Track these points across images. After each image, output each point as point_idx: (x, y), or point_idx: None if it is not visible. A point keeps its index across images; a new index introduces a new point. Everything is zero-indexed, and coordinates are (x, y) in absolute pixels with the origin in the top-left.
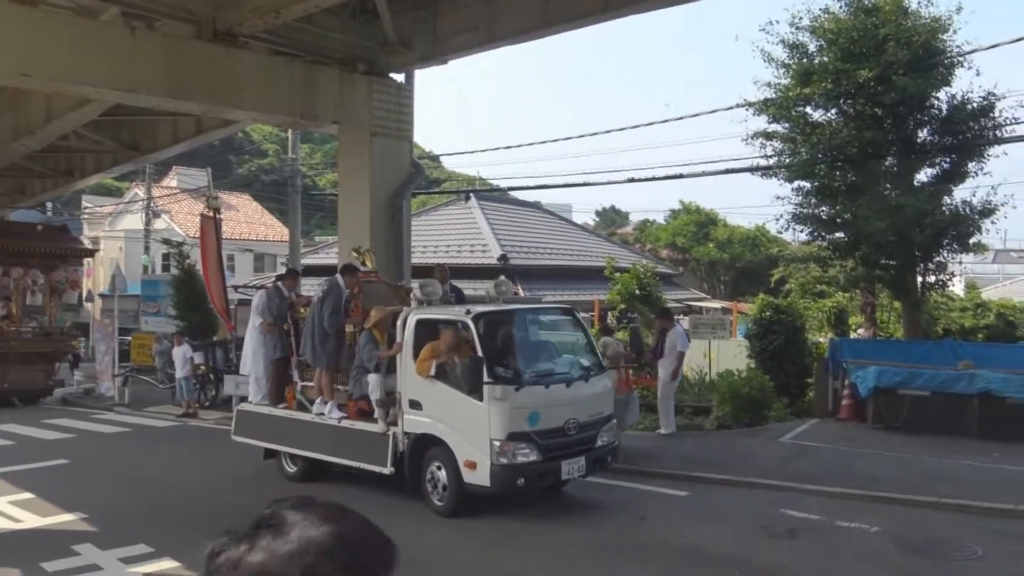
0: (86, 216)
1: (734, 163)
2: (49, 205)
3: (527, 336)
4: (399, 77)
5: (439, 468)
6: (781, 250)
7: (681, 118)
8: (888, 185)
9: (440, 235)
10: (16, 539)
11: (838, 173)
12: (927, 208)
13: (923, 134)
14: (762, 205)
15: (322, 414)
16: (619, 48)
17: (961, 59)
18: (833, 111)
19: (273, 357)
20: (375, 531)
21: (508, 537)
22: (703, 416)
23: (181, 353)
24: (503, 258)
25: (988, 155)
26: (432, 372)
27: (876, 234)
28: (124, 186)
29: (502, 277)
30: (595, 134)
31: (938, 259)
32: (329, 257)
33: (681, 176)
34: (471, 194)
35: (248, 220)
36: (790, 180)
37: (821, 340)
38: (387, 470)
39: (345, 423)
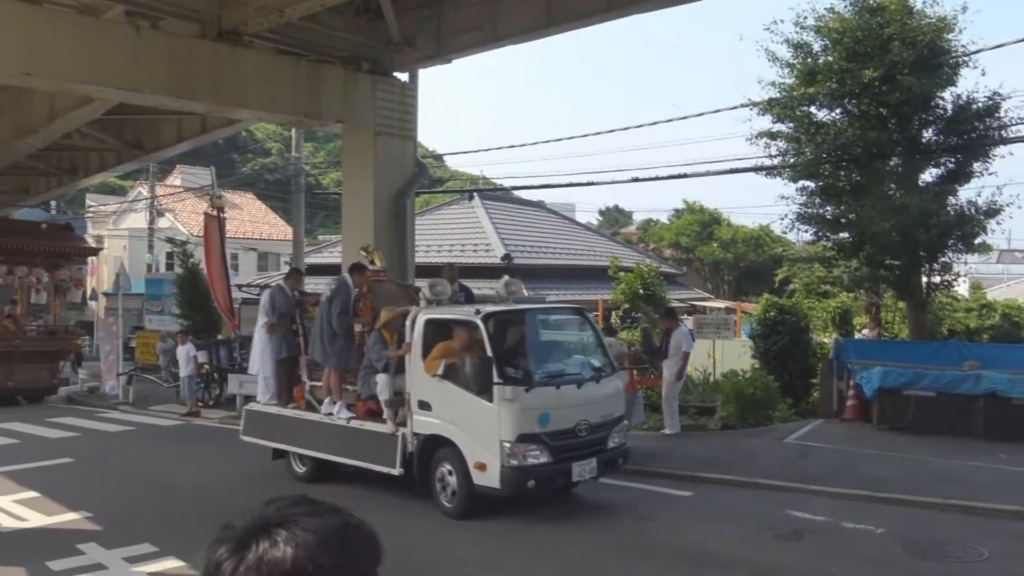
0: (90, 215)
1: (738, 163)
2: (53, 204)
3: (537, 336)
4: (403, 76)
5: (449, 470)
6: (785, 250)
7: (685, 117)
8: (893, 185)
9: (444, 234)
10: (21, 538)
11: (843, 173)
12: (932, 208)
13: (928, 134)
14: (766, 205)
15: (331, 414)
16: (623, 47)
17: (966, 59)
18: (838, 111)
19: (278, 357)
20: (363, 526)
21: (512, 537)
22: (707, 416)
23: (185, 352)
24: (507, 257)
25: (993, 155)
26: (440, 371)
27: (881, 234)
28: (128, 185)
29: (506, 277)
30: (599, 133)
31: (943, 259)
32: (333, 256)
33: (685, 176)
34: (475, 193)
35: (252, 219)
36: (794, 180)
37: (825, 340)
38: (396, 471)
39: (354, 423)
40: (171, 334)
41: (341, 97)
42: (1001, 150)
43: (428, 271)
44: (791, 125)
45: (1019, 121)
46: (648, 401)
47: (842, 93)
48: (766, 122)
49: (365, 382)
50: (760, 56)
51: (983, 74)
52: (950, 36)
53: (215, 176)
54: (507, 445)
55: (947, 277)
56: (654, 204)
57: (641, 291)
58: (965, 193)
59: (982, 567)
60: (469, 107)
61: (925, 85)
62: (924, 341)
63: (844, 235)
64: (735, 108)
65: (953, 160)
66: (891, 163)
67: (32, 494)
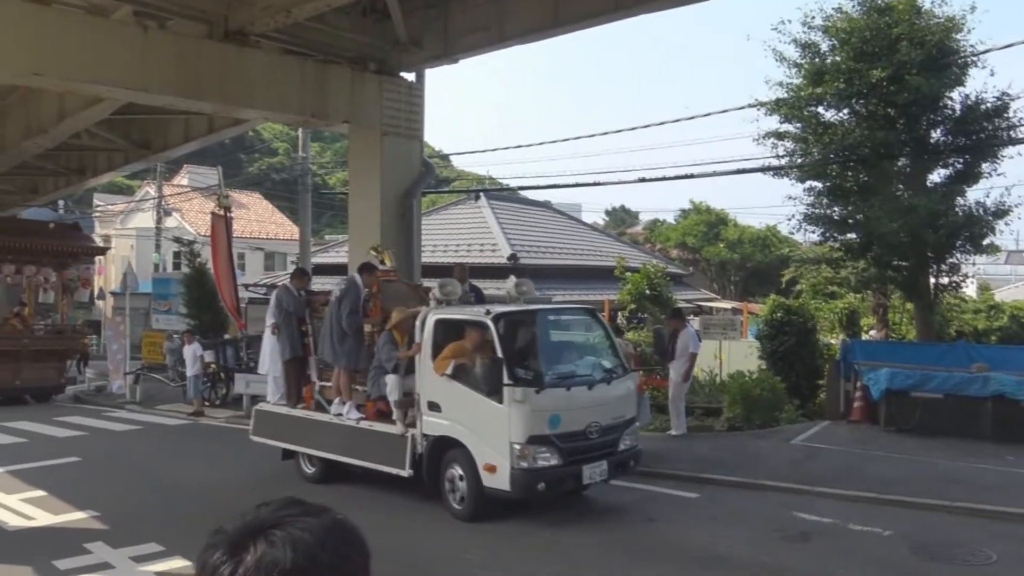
0: (98, 214)
1: (745, 163)
2: (61, 203)
3: (548, 337)
4: (410, 76)
5: (459, 474)
6: (792, 251)
7: (692, 118)
8: (901, 186)
9: (450, 234)
10: (29, 537)
11: (850, 173)
12: (940, 209)
13: (936, 134)
14: (773, 205)
15: (340, 415)
16: (631, 47)
17: (975, 59)
18: (845, 111)
19: (285, 357)
20: (353, 525)
21: (518, 537)
22: (714, 417)
23: (192, 351)
24: (513, 257)
25: (1002, 156)
26: (449, 371)
27: (888, 235)
28: (135, 184)
29: (512, 278)
30: (605, 134)
31: (951, 260)
32: (339, 256)
33: (692, 176)
34: (481, 193)
35: (259, 219)
36: (802, 180)
37: (833, 341)
38: (405, 472)
39: (363, 424)
40: (179, 333)
41: (348, 97)
42: (1010, 151)
43: (434, 271)
44: (798, 125)
45: None
46: (654, 402)
47: (850, 93)
48: (773, 122)
49: (375, 382)
50: (768, 56)
51: (992, 74)
52: (958, 36)
53: (222, 176)
54: (517, 447)
55: (955, 278)
56: (661, 204)
57: (647, 291)
58: (973, 194)
59: (990, 570)
60: (476, 107)
61: (933, 85)
62: (932, 343)
63: (852, 236)
64: (742, 108)
65: (961, 161)
66: (899, 163)
67: (39, 493)
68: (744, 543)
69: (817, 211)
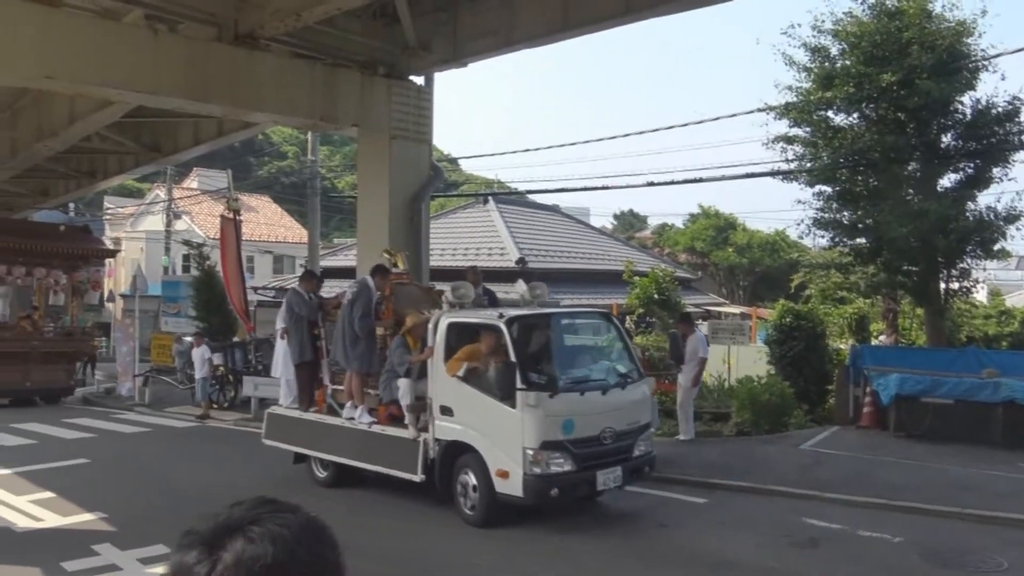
0: (108, 217)
1: (754, 167)
2: (72, 206)
3: (562, 341)
4: (419, 80)
5: (472, 481)
6: (801, 255)
7: (701, 122)
8: (911, 190)
9: (458, 238)
10: (37, 538)
11: (860, 178)
12: (951, 214)
13: (947, 139)
14: (782, 210)
15: (352, 419)
16: (643, 50)
17: (986, 63)
18: (855, 115)
19: (295, 362)
20: (324, 523)
21: (526, 542)
22: (722, 422)
23: (200, 354)
24: (521, 261)
25: (1013, 160)
26: (461, 373)
27: (899, 240)
28: (145, 187)
29: (520, 281)
30: (614, 137)
31: (961, 265)
32: (348, 259)
33: (700, 180)
34: (489, 197)
35: (268, 222)
36: (811, 184)
37: (842, 347)
38: (417, 477)
39: (375, 428)
40: (187, 336)
41: (357, 101)
42: (1021, 155)
43: (442, 275)
44: (808, 129)
45: None
46: (662, 407)
47: (860, 97)
48: (783, 126)
49: (387, 386)
50: (778, 60)
51: (1003, 78)
52: (969, 40)
53: (231, 179)
54: (530, 452)
55: (965, 283)
56: (669, 208)
57: (656, 296)
58: (984, 198)
59: None
60: (486, 110)
61: (944, 89)
62: (942, 348)
63: (861, 240)
64: (751, 112)
65: (972, 165)
66: (909, 168)
67: (48, 494)
68: (753, 549)
69: (826, 215)
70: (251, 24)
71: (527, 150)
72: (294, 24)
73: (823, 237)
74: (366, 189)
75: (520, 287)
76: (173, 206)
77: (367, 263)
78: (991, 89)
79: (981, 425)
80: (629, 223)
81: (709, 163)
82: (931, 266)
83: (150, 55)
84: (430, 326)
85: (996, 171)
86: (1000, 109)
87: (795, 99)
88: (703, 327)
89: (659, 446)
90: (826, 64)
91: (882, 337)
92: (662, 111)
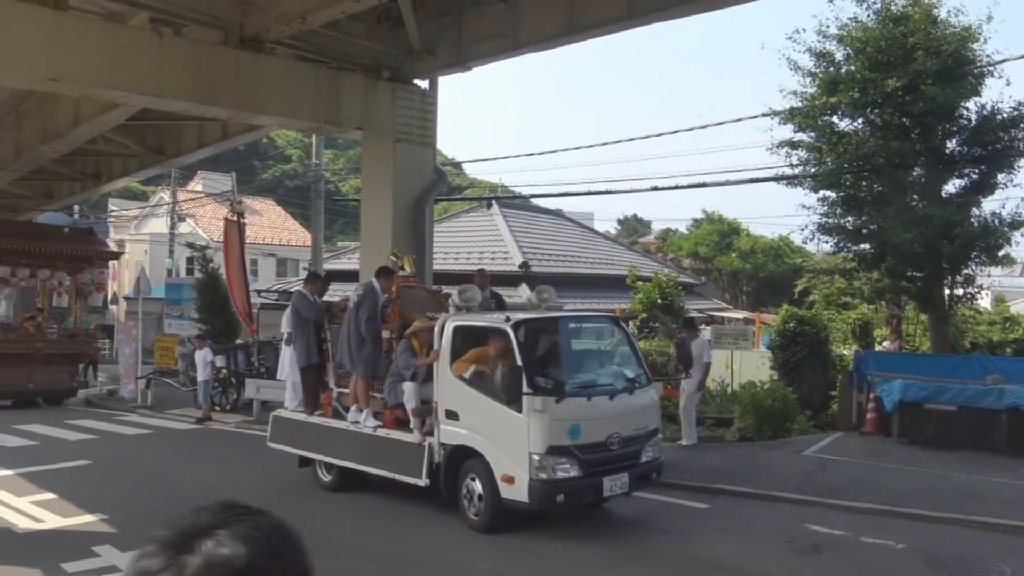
0: (112, 219)
1: (758, 172)
2: (76, 208)
3: (569, 345)
4: (423, 83)
5: (478, 488)
6: (805, 261)
7: (705, 127)
8: (915, 196)
9: (462, 242)
10: (38, 539)
11: (864, 183)
12: (955, 220)
13: (952, 144)
14: (786, 215)
15: (357, 422)
16: (646, 55)
17: (991, 69)
18: (860, 120)
19: (300, 365)
20: (292, 527)
21: (527, 546)
22: (725, 428)
23: (203, 356)
24: (524, 265)
25: (1018, 166)
26: (467, 374)
27: (903, 245)
28: (150, 190)
29: (524, 285)
30: (619, 142)
31: (966, 271)
32: (351, 263)
33: (704, 185)
34: (493, 201)
35: (271, 225)
36: (815, 190)
37: (845, 352)
38: (422, 482)
39: (380, 432)
40: (190, 338)
41: (361, 104)
42: None
43: (446, 278)
44: (812, 134)
45: None
46: (665, 412)
47: (864, 103)
48: (787, 131)
49: (392, 390)
50: (783, 65)
51: (1008, 84)
52: (975, 46)
53: (235, 182)
54: (536, 458)
55: (970, 289)
56: (673, 214)
57: (659, 301)
58: (989, 204)
59: None
60: (491, 114)
61: (949, 95)
62: (946, 354)
63: (865, 246)
64: (756, 117)
65: (977, 171)
66: (914, 174)
67: (49, 496)
68: (755, 555)
69: (831, 221)
70: (256, 27)
71: (531, 154)
72: (299, 27)
73: (827, 242)
74: (370, 192)
75: (524, 291)
76: (177, 209)
77: (370, 266)
78: (996, 95)
79: (985, 432)
80: (633, 228)
81: (713, 168)
82: (935, 272)
83: (156, 58)
84: (436, 329)
85: (1001, 177)
86: (1005, 115)
87: (800, 104)
88: (706, 332)
89: (662, 451)
90: (831, 69)
91: (886, 343)
92: (670, 114)
